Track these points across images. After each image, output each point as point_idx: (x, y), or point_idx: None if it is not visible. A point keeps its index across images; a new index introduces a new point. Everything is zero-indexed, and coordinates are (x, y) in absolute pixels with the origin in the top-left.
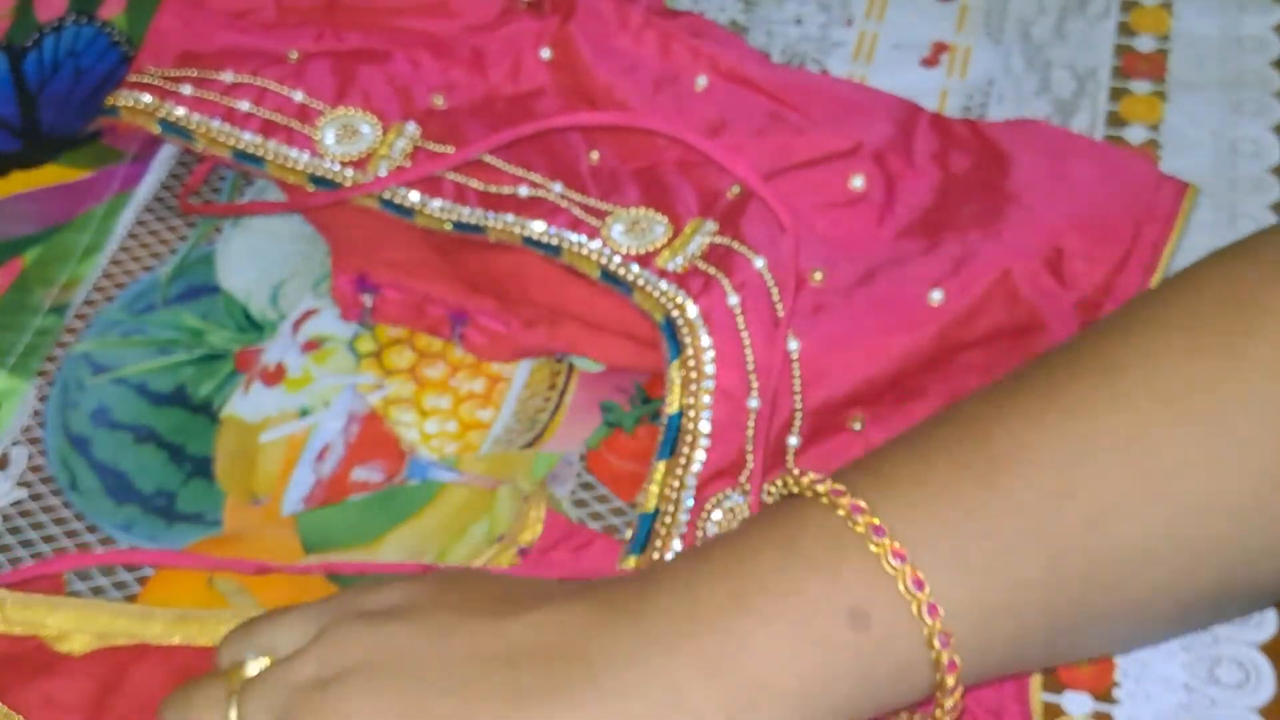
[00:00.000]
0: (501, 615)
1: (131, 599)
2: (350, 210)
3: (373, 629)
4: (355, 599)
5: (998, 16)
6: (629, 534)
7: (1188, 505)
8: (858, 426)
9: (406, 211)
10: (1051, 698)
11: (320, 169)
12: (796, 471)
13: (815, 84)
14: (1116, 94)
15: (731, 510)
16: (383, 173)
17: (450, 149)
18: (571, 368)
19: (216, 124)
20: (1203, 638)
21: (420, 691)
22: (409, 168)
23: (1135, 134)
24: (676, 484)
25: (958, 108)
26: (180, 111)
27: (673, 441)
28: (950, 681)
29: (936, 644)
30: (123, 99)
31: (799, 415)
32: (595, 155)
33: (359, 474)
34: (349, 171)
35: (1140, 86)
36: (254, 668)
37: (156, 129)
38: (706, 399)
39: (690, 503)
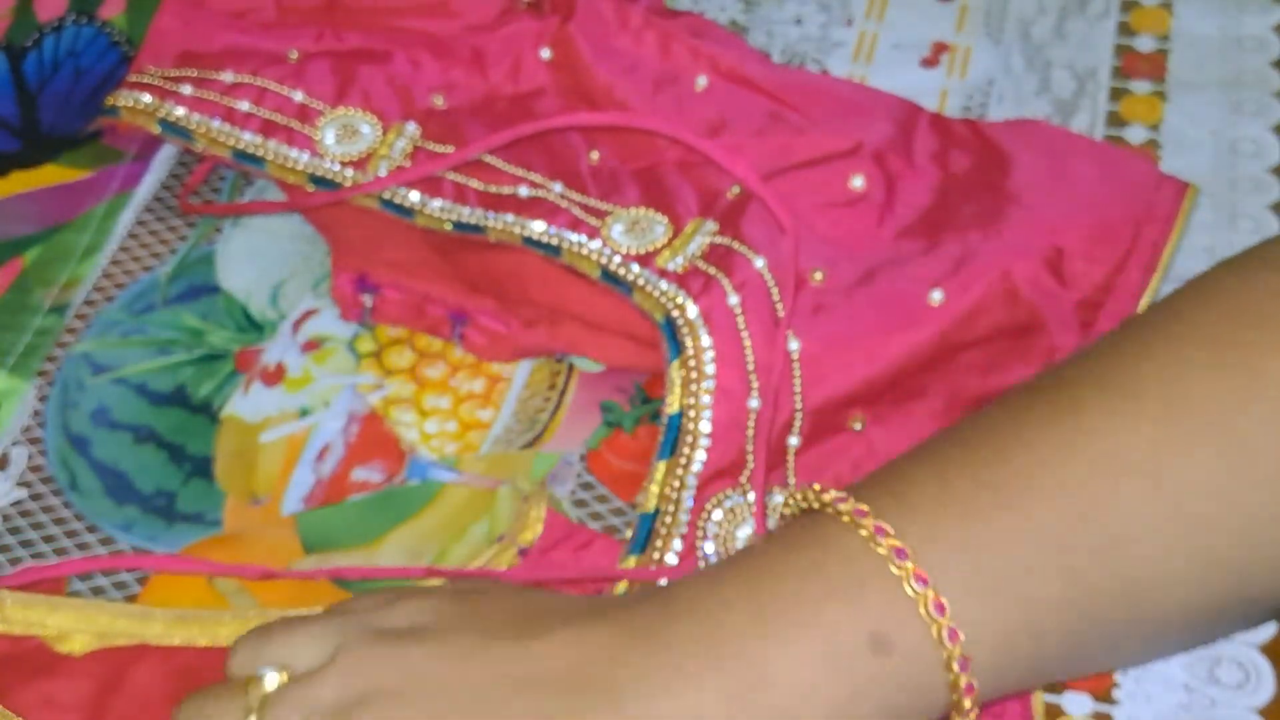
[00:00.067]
0: (524, 638)
1: (131, 599)
2: (350, 210)
3: (393, 651)
4: (371, 615)
5: (998, 16)
6: (629, 534)
7: (1207, 524)
8: (858, 426)
9: (406, 211)
10: (1052, 698)
11: (320, 169)
12: (817, 487)
13: (815, 84)
14: (1116, 94)
15: (732, 510)
16: (383, 173)
17: (450, 149)
18: (571, 368)
19: (216, 124)
20: None
21: (445, 718)
22: (409, 168)
23: (1135, 134)
24: (677, 484)
25: (958, 108)
26: (180, 111)
27: (673, 441)
28: (967, 704)
29: (955, 668)
30: (123, 99)
31: (799, 415)
32: (595, 155)
33: (359, 474)
34: (349, 171)
35: (1140, 86)
36: (271, 683)
37: (156, 129)
38: (707, 399)
39: (690, 503)
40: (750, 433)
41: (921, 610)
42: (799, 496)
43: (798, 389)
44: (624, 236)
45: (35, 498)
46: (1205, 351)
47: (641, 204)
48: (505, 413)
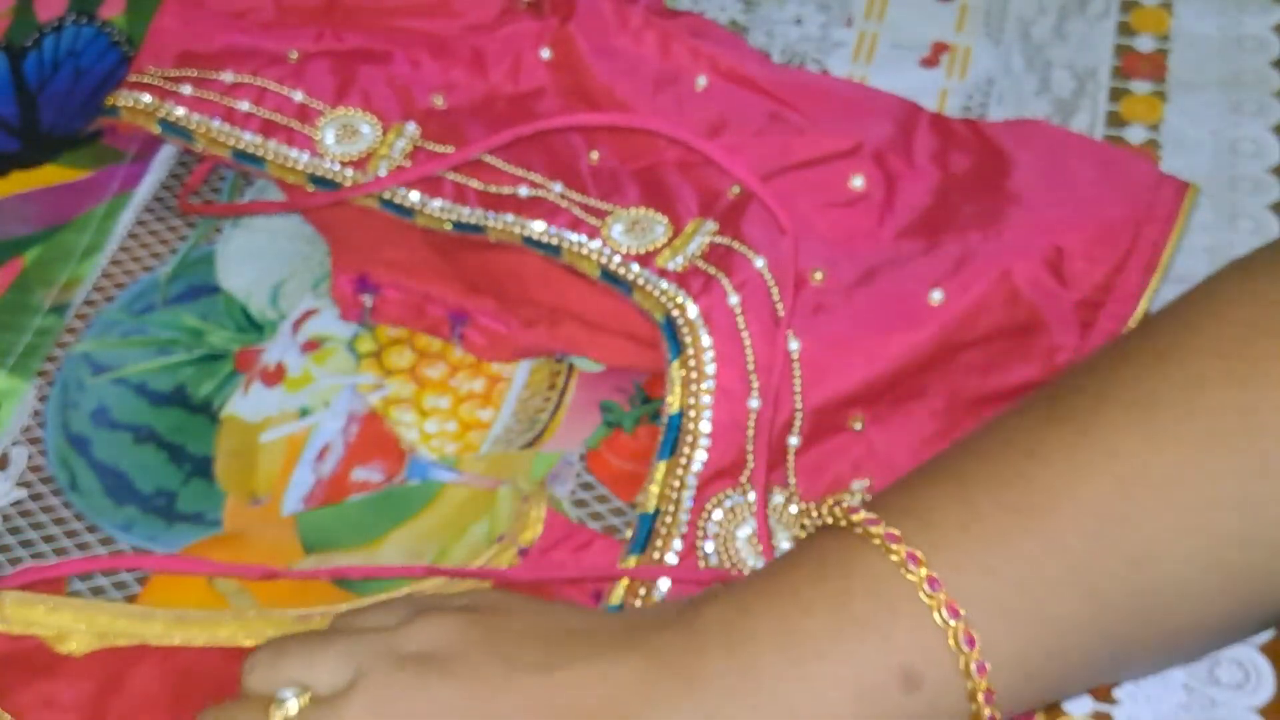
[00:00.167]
0: (550, 668)
1: (131, 599)
2: (350, 210)
3: (416, 680)
4: (390, 637)
5: (998, 16)
6: (629, 534)
7: (1226, 539)
8: (858, 426)
9: (406, 211)
10: None
11: (320, 169)
12: (845, 504)
13: (815, 84)
14: (1116, 94)
15: (732, 510)
16: (383, 173)
17: (450, 149)
18: (571, 368)
19: (216, 124)
20: None
21: None
22: (409, 168)
23: (1135, 134)
24: (677, 484)
25: (958, 108)
26: (180, 111)
27: (673, 441)
28: None
29: (980, 699)
30: (123, 99)
31: (799, 415)
32: (595, 155)
33: (359, 474)
34: (349, 171)
35: (1140, 86)
36: (293, 706)
37: (156, 129)
38: (707, 399)
39: (691, 503)
40: (750, 432)
41: (951, 642)
42: (823, 510)
43: (798, 389)
44: (624, 236)
45: (35, 498)
46: (1218, 363)
47: (641, 204)
48: (505, 413)
